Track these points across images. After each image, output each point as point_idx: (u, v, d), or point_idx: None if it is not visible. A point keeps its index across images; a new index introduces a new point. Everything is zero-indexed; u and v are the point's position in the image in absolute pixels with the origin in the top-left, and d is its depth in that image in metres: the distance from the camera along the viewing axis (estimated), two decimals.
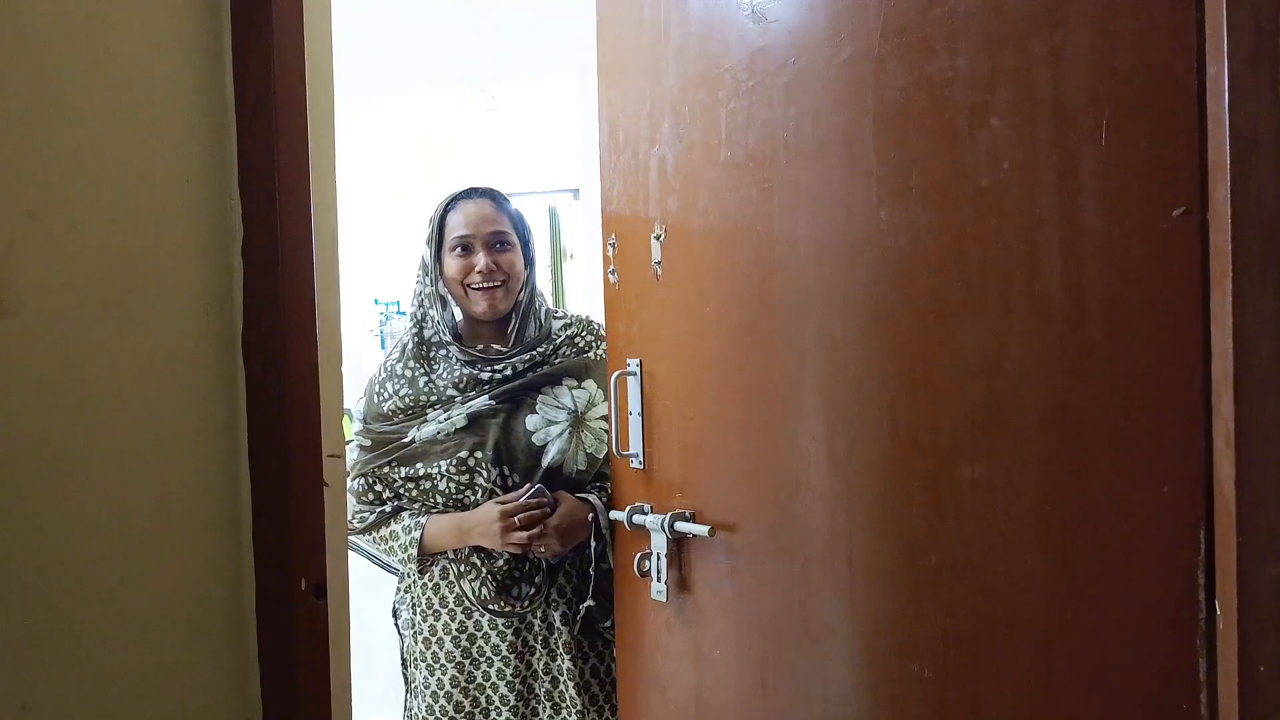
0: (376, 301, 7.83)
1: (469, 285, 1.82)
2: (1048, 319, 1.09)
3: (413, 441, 1.79)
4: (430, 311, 1.86)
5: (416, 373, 1.84)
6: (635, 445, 1.65)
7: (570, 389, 1.83)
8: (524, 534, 1.69)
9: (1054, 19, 1.08)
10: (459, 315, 1.90)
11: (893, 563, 1.27)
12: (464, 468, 1.76)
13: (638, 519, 1.61)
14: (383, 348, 7.94)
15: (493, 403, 1.79)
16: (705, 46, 1.48)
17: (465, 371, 1.81)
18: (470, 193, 1.89)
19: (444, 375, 1.83)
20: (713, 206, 1.48)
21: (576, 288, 6.23)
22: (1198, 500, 0.98)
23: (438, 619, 1.80)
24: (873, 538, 1.29)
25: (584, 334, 1.91)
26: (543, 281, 1.94)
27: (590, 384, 1.85)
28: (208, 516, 1.09)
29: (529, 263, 1.89)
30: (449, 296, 1.87)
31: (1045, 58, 1.08)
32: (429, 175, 7.84)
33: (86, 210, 0.98)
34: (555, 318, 1.93)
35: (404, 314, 7.90)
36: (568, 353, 1.88)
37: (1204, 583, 0.98)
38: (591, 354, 1.89)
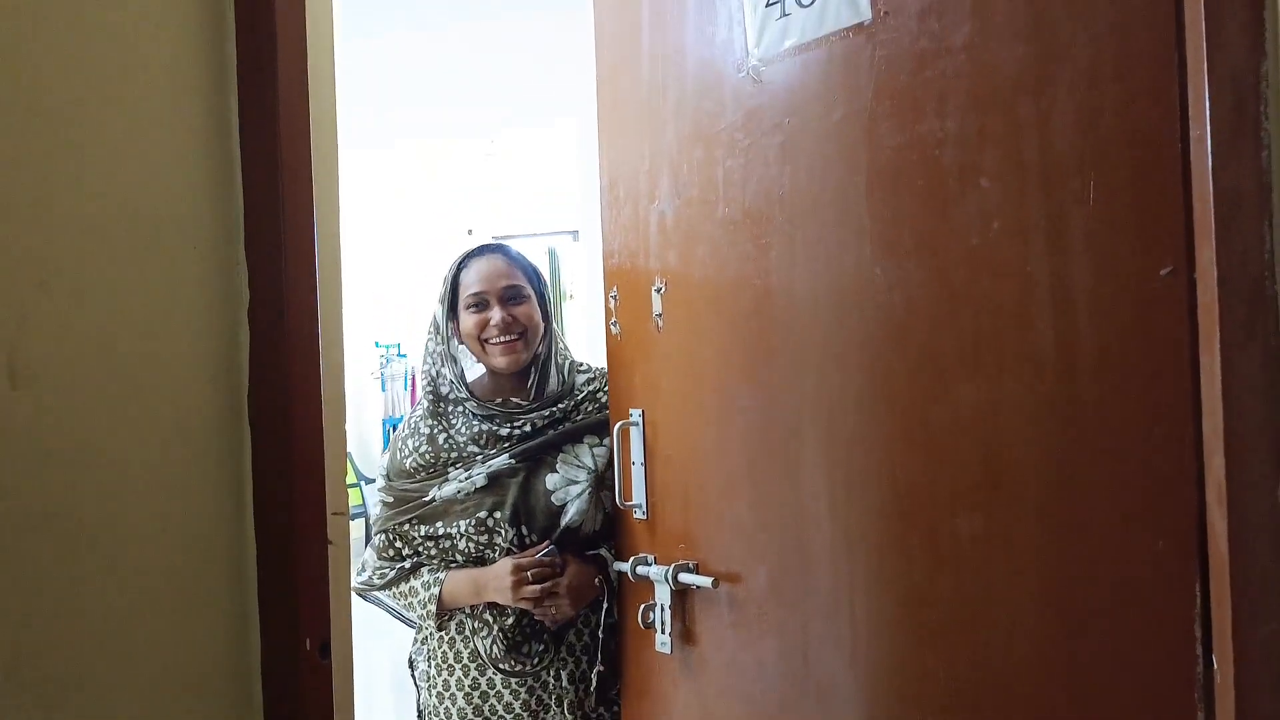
0: (378, 344, 7.88)
1: (486, 340, 1.82)
2: (1040, 375, 1.11)
3: (433, 500, 1.79)
4: (442, 369, 1.86)
5: (435, 429, 1.84)
6: (638, 495, 1.67)
7: (591, 447, 1.82)
8: (535, 587, 1.69)
9: (1040, 83, 1.11)
10: (471, 372, 1.89)
11: (894, 615, 1.27)
12: (483, 528, 1.76)
13: (641, 570, 1.62)
14: (383, 390, 7.97)
15: (513, 461, 1.78)
16: (702, 106, 1.51)
17: (484, 428, 1.81)
18: (482, 250, 1.90)
19: (463, 431, 1.82)
20: (711, 261, 1.51)
21: (577, 328, 6.28)
22: (1192, 555, 0.99)
23: (451, 674, 1.80)
24: (874, 590, 1.30)
25: (606, 389, 1.88)
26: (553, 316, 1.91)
27: (611, 442, 1.82)
28: (214, 578, 1.10)
29: (546, 315, 1.89)
30: (459, 355, 1.87)
31: (1032, 120, 1.11)
32: (431, 219, 7.92)
33: (96, 281, 1.00)
34: (579, 370, 1.92)
35: (404, 356, 7.95)
36: (590, 408, 1.87)
37: (1201, 636, 0.99)
38: None
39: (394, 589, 1.84)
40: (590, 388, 1.89)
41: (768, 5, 1.40)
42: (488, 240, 1.94)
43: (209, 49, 1.12)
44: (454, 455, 1.81)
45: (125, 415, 1.02)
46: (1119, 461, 1.06)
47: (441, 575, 1.79)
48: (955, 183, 1.17)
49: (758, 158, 1.42)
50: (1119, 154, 1.05)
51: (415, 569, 1.83)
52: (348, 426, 1.30)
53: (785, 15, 1.37)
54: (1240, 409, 0.92)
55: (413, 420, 1.90)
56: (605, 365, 1.88)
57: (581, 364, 1.95)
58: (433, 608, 1.78)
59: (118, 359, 1.01)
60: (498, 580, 1.72)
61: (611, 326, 1.76)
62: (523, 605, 1.72)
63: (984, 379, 1.16)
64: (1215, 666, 0.97)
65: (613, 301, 1.76)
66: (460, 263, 1.88)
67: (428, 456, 1.82)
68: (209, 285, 1.11)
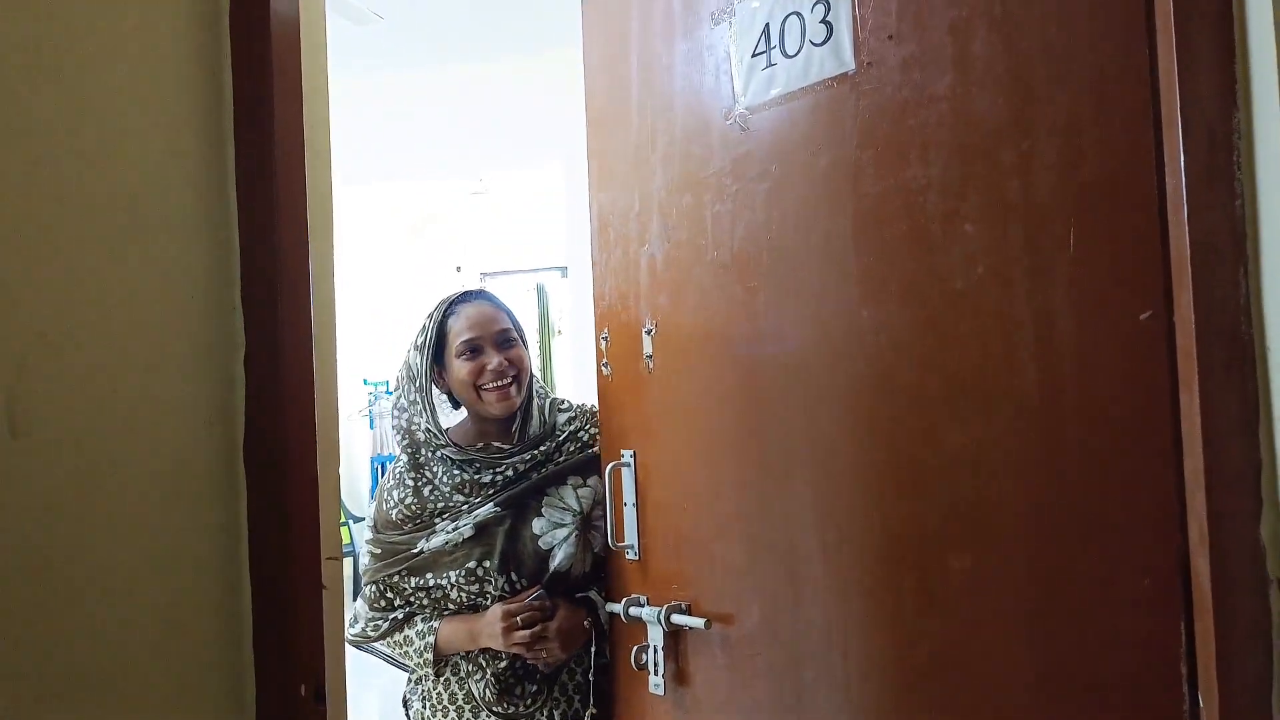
0: (366, 382, 7.87)
1: (482, 386, 1.81)
2: (1025, 416, 1.13)
3: (421, 552, 1.79)
4: (415, 419, 1.84)
5: (420, 481, 1.84)
6: (630, 536, 1.67)
7: (575, 488, 1.82)
8: (525, 632, 1.69)
9: (1021, 131, 1.14)
10: (446, 418, 1.89)
11: (885, 656, 1.28)
12: (473, 578, 1.75)
13: (634, 611, 1.62)
14: (371, 428, 7.95)
15: (498, 509, 1.78)
16: (690, 152, 1.54)
17: (465, 476, 1.81)
18: (467, 296, 1.90)
19: (445, 481, 1.82)
20: (701, 304, 1.53)
21: (565, 363, 6.31)
22: (1177, 593, 1.01)
23: (445, 715, 1.80)
24: (865, 631, 1.31)
25: (588, 427, 1.89)
26: (532, 357, 1.95)
27: (595, 481, 1.83)
28: (209, 623, 1.11)
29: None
30: (437, 403, 1.86)
31: (1014, 168, 1.14)
32: (419, 256, 7.95)
33: (95, 330, 1.01)
34: (560, 409, 1.93)
35: (393, 394, 7.94)
36: (571, 448, 1.86)
37: (1186, 674, 1.00)
38: (596, 448, 1.87)
39: (388, 639, 1.84)
40: (571, 427, 1.89)
41: (754, 55, 1.43)
42: (472, 285, 1.96)
43: (206, 97, 1.14)
44: (439, 505, 1.81)
45: (122, 462, 1.02)
46: (1103, 501, 1.07)
47: (436, 624, 1.79)
48: (939, 228, 1.20)
49: (745, 203, 1.44)
50: (1098, 201, 1.08)
51: (409, 618, 1.83)
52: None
53: (771, 65, 1.40)
54: (1219, 449, 0.94)
55: (396, 471, 1.89)
56: (586, 401, 1.90)
57: (562, 401, 1.95)
58: (429, 656, 1.78)
59: (115, 407, 1.02)
60: (490, 627, 1.72)
61: (603, 368, 1.78)
62: (515, 650, 1.72)
63: (970, 420, 1.18)
64: (1201, 705, 0.98)
65: (604, 343, 1.77)
66: (446, 310, 1.86)
67: (413, 508, 1.82)
68: (205, 333, 1.12)
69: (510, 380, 1.81)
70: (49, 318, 0.98)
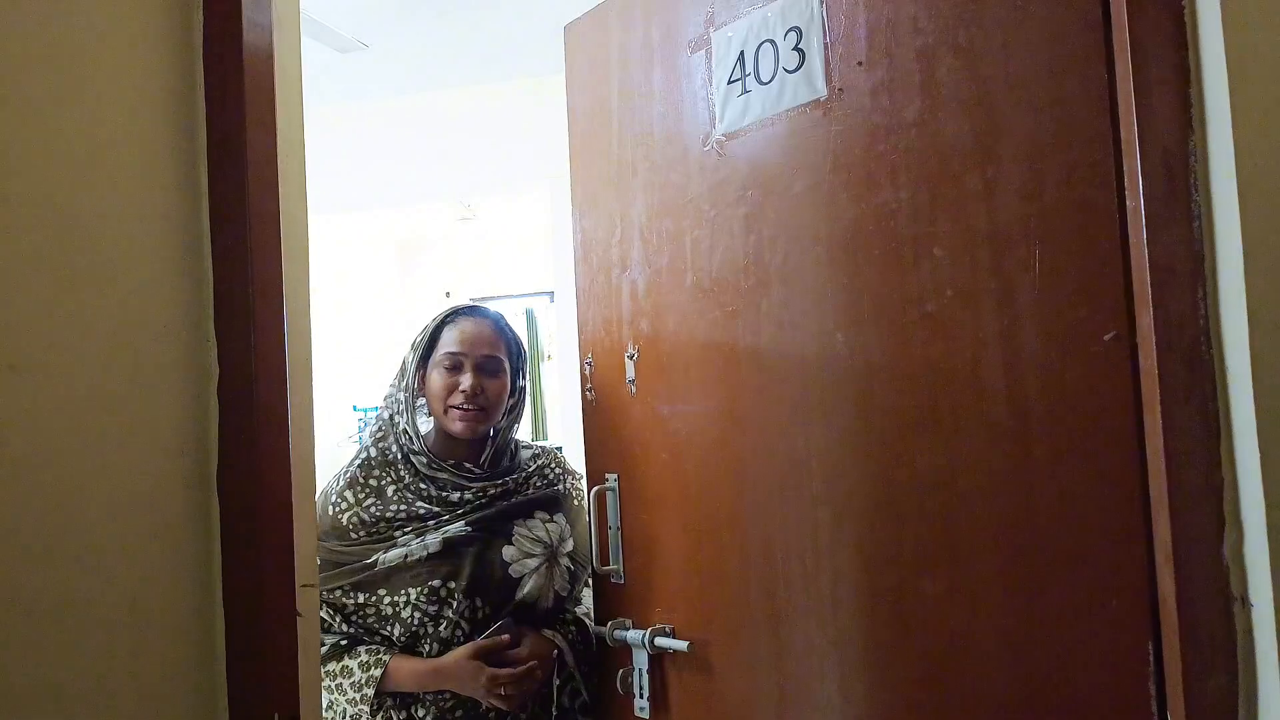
0: (355, 408, 7.85)
1: (450, 404, 1.74)
2: (995, 438, 1.14)
3: (375, 564, 1.68)
4: (400, 418, 1.79)
5: (384, 481, 1.76)
6: (615, 560, 1.67)
7: (544, 522, 1.78)
8: (507, 671, 1.61)
9: (986, 156, 1.15)
10: (425, 426, 1.82)
11: (864, 677, 1.29)
12: (434, 597, 1.65)
13: (619, 635, 1.62)
14: None
15: (469, 529, 1.71)
16: (669, 178, 1.55)
17: (431, 490, 1.75)
18: (472, 310, 1.84)
19: (411, 489, 1.75)
20: (681, 328, 1.54)
21: (554, 387, 6.30)
22: (1144, 614, 1.02)
23: None
24: (844, 652, 1.31)
25: (552, 466, 1.88)
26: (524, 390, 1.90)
27: (560, 518, 1.80)
28: (182, 651, 1.11)
29: (515, 391, 1.83)
30: (419, 408, 1.81)
31: (980, 192, 1.15)
32: (406, 281, 7.96)
33: (68, 362, 1.01)
34: (524, 447, 1.90)
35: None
36: (538, 483, 1.83)
37: (1155, 693, 1.01)
38: (560, 486, 1.85)
39: (322, 667, 1.65)
40: (537, 464, 1.85)
41: (730, 82, 1.45)
42: (475, 302, 1.91)
43: (179, 128, 1.15)
44: (402, 512, 1.73)
45: (94, 491, 1.03)
46: (1071, 522, 1.08)
47: (385, 658, 1.65)
48: (910, 252, 1.21)
49: (723, 228, 1.46)
50: (1061, 224, 1.09)
51: (350, 648, 1.68)
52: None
53: (746, 92, 1.42)
54: (1182, 469, 0.95)
55: (349, 471, 1.80)
56: (556, 448, 1.93)
57: (524, 441, 1.92)
58: (369, 692, 1.63)
59: (87, 436, 1.02)
60: (466, 675, 1.62)
61: (587, 392, 1.79)
62: (494, 704, 1.63)
63: (942, 442, 1.19)
64: None
65: (588, 368, 1.78)
66: (446, 317, 1.82)
67: (373, 511, 1.73)
68: (179, 362, 1.12)
69: (479, 408, 1.74)
70: (20, 350, 0.99)
